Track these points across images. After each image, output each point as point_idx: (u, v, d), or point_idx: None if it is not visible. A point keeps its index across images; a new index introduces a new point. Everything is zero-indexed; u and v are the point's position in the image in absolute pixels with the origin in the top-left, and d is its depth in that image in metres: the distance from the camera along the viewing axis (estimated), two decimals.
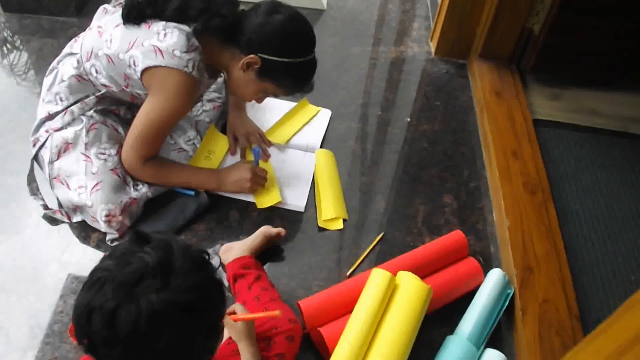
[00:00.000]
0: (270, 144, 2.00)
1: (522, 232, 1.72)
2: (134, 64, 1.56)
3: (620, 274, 1.71)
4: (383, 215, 1.84)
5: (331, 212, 1.79)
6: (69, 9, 2.54)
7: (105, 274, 0.84)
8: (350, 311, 1.43)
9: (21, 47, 2.42)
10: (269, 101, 2.12)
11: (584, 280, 1.67)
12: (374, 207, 1.86)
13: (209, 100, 2.01)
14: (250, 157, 1.89)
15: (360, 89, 2.27)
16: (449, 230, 1.78)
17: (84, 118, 1.71)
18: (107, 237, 1.68)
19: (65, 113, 1.72)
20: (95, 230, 1.71)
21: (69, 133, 1.69)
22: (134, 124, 1.64)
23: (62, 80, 1.72)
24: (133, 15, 1.58)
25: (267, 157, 1.95)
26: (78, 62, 1.70)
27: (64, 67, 1.73)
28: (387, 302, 1.41)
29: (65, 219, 1.72)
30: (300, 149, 2.00)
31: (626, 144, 2.17)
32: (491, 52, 2.33)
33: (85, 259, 1.66)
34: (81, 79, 1.72)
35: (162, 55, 1.52)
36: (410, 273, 1.44)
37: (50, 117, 1.74)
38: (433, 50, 2.45)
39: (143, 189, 1.72)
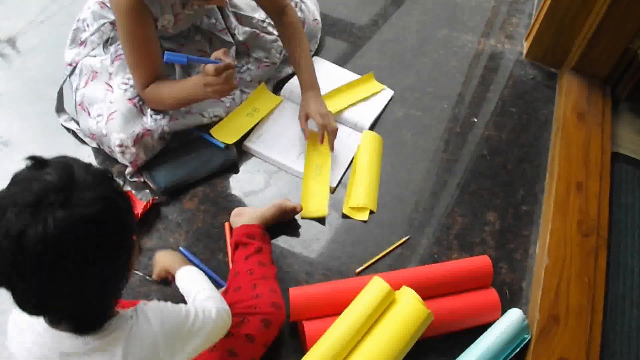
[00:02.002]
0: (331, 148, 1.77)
1: (560, 276, 1.53)
2: None
3: None
4: (415, 217, 1.69)
5: (360, 201, 1.66)
6: None
7: (5, 200, 0.80)
8: (340, 313, 1.32)
9: None
10: (333, 70, 2.01)
11: (616, 348, 1.48)
12: (407, 207, 1.71)
13: (256, 59, 1.88)
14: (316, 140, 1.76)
15: (432, 77, 2.09)
16: (483, 251, 1.62)
17: (112, 48, 1.70)
18: (127, 171, 1.65)
19: (86, 44, 1.74)
20: (117, 162, 1.67)
21: (96, 62, 1.70)
22: None
23: (88, 7, 1.77)
24: None
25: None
26: None
27: None
28: (378, 315, 1.27)
29: (95, 144, 1.70)
30: (348, 125, 1.86)
31: None
32: (586, 68, 2.10)
33: None
34: (103, 5, 1.74)
35: None
36: (413, 292, 1.30)
37: (80, 43, 1.78)
38: (525, 51, 2.22)
39: (162, 121, 1.65)
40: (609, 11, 1.91)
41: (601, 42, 2.01)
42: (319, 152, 1.73)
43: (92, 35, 1.74)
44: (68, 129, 1.76)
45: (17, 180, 0.83)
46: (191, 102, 1.66)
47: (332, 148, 1.72)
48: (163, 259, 1.37)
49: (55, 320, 0.89)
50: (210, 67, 1.46)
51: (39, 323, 0.91)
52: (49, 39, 2.02)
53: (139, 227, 1.55)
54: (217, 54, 1.48)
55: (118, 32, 1.56)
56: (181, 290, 1.25)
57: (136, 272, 1.45)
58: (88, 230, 0.80)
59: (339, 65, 2.04)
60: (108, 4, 1.70)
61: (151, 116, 1.63)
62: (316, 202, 1.64)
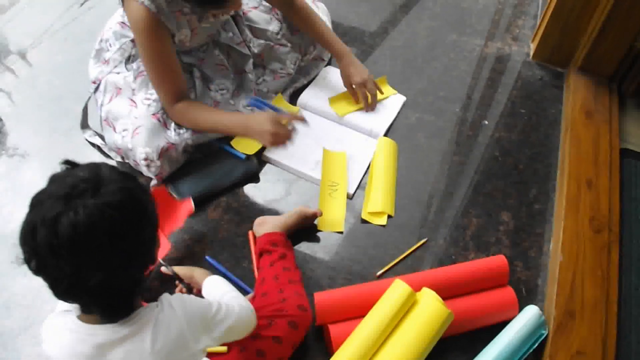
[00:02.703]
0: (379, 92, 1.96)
1: (574, 272, 1.58)
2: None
3: None
4: (432, 219, 1.74)
5: (378, 206, 1.71)
6: None
7: (42, 195, 0.91)
8: (364, 316, 1.37)
9: None
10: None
11: (632, 339, 1.53)
12: (425, 209, 1.77)
13: (272, 71, 1.95)
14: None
15: (443, 81, 2.14)
16: (499, 251, 1.67)
17: (134, 65, 1.75)
18: (152, 183, 1.71)
19: (108, 62, 1.80)
20: (141, 174, 1.73)
21: (119, 78, 1.75)
22: None
23: (110, 28, 1.83)
24: None
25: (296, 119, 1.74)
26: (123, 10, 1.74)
27: (113, 17, 1.86)
28: (401, 317, 1.33)
29: (120, 158, 1.76)
30: (363, 132, 1.91)
31: None
32: (592, 67, 2.14)
33: None
34: (124, 25, 1.80)
35: None
36: (433, 293, 1.35)
37: (101, 60, 1.84)
38: (532, 52, 2.27)
39: (185, 135, 1.70)
40: (612, 10, 1.94)
41: (606, 41, 2.05)
42: (335, 169, 1.78)
43: (114, 53, 1.80)
44: (93, 144, 1.83)
45: (54, 179, 0.94)
46: (227, 134, 1.75)
47: (373, 108, 1.91)
48: (191, 270, 1.44)
49: (86, 308, 0.97)
50: (285, 119, 1.60)
51: (72, 321, 0.98)
52: (70, 53, 2.10)
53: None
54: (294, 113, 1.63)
55: (138, 50, 1.62)
56: (206, 295, 1.31)
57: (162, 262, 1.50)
58: (113, 216, 0.89)
59: None
60: (127, 24, 1.76)
61: (175, 130, 1.69)
62: (333, 218, 1.70)
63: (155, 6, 1.51)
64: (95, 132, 1.84)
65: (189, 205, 1.58)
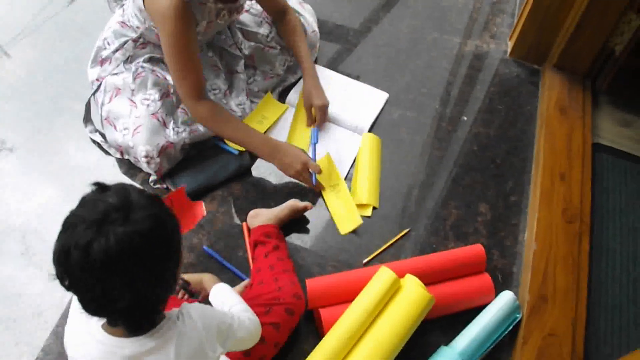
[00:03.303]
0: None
1: (547, 260, 1.69)
2: None
3: None
4: (414, 210, 1.84)
5: (363, 198, 1.81)
6: None
7: (76, 218, 0.96)
8: (352, 300, 1.47)
9: None
10: (332, 76, 2.15)
11: (601, 323, 1.64)
12: (407, 201, 1.87)
13: (262, 72, 2.04)
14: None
15: (425, 78, 2.24)
16: (477, 240, 1.77)
17: (133, 66, 1.83)
18: (150, 179, 1.80)
19: (110, 62, 1.86)
20: (141, 170, 1.83)
21: (119, 80, 1.82)
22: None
23: (109, 27, 1.89)
24: None
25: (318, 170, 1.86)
26: (123, 10, 1.85)
27: (114, 17, 1.91)
28: (386, 301, 1.43)
29: (119, 155, 1.84)
30: (349, 128, 2.01)
31: None
32: (567, 64, 2.25)
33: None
34: (124, 24, 1.86)
35: None
36: (416, 278, 1.45)
37: (102, 61, 1.90)
38: (509, 50, 2.38)
39: (183, 134, 1.79)
40: (587, 10, 2.04)
41: (580, 40, 2.15)
42: (330, 175, 1.86)
43: (115, 53, 1.86)
44: (94, 141, 1.91)
45: (84, 202, 0.99)
46: (249, 150, 1.84)
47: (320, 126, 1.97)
48: (200, 276, 1.52)
49: (113, 322, 1.03)
50: (312, 166, 1.77)
51: (99, 332, 1.04)
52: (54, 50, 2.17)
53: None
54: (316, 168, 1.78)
55: (162, 39, 1.65)
56: (214, 303, 1.36)
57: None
58: (141, 243, 0.94)
59: (338, 72, 2.19)
60: (128, 23, 1.83)
61: (173, 129, 1.77)
62: (348, 216, 1.78)
63: None
64: (95, 128, 1.91)
65: (201, 209, 1.67)
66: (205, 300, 1.41)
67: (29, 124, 1.95)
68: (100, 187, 1.01)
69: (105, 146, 1.87)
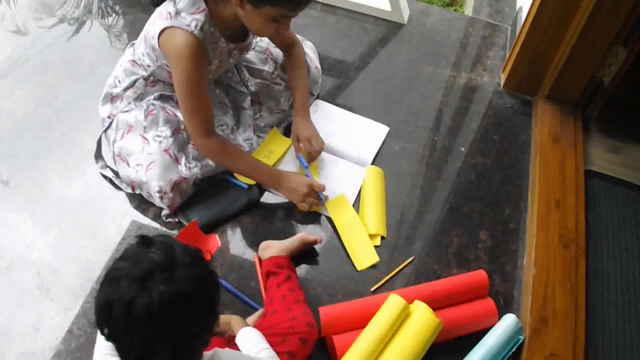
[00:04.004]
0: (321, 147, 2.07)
1: (546, 284, 1.77)
2: (155, 32, 1.72)
3: (638, 346, 1.73)
4: (418, 239, 1.93)
5: (372, 229, 1.89)
6: None
7: (120, 272, 0.99)
8: (364, 326, 1.55)
9: (119, 12, 2.60)
10: (334, 111, 2.24)
11: (598, 343, 1.71)
12: (411, 230, 1.95)
13: (268, 107, 2.13)
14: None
15: (422, 110, 2.34)
16: (478, 266, 1.85)
17: (144, 104, 1.89)
18: (162, 213, 1.87)
19: (121, 100, 1.94)
20: (153, 205, 1.89)
21: (130, 117, 1.89)
22: (178, 100, 1.79)
23: (120, 65, 1.97)
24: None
25: (312, 158, 2.02)
26: (134, 49, 1.92)
27: (125, 55, 1.98)
28: (397, 327, 1.51)
29: (130, 190, 1.90)
30: (352, 161, 2.10)
31: None
32: (558, 95, 2.35)
33: (141, 229, 1.85)
34: (134, 63, 1.93)
35: (171, 17, 1.67)
36: (424, 305, 1.53)
37: (112, 98, 1.97)
38: (502, 82, 2.48)
39: (195, 170, 1.86)
40: (576, 44, 2.15)
41: (571, 71, 2.26)
42: (344, 212, 1.92)
43: (126, 91, 1.93)
44: (105, 176, 1.96)
45: (128, 255, 1.04)
46: (257, 181, 1.94)
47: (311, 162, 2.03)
48: (229, 317, 1.55)
49: None
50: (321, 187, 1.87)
51: None
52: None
53: None
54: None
55: (175, 77, 1.72)
56: (241, 346, 1.41)
57: None
58: (183, 303, 0.99)
59: (339, 106, 2.28)
60: (139, 62, 1.90)
61: (185, 165, 1.84)
62: (364, 253, 1.83)
63: (202, 35, 1.67)
64: (107, 164, 1.96)
65: (216, 241, 1.74)
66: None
67: (40, 160, 2.01)
68: (145, 241, 1.06)
69: (116, 181, 1.92)
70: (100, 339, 1.27)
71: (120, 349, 1.03)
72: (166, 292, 0.97)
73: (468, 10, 3.27)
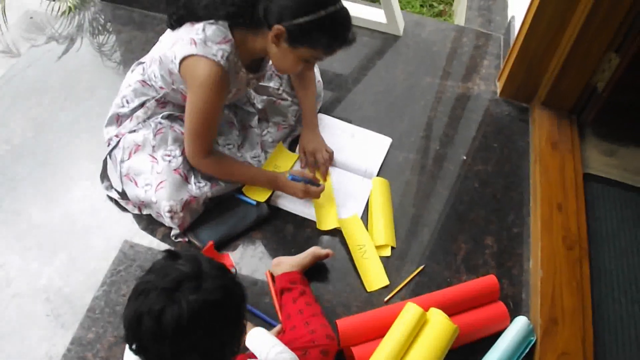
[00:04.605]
0: (330, 163, 2.15)
1: (553, 285, 1.83)
2: (175, 57, 1.73)
3: None
4: (427, 247, 1.98)
5: (381, 239, 1.94)
6: (159, 5, 2.69)
7: (148, 285, 1.03)
8: (382, 336, 1.59)
9: (111, 31, 2.63)
10: (336, 125, 2.29)
11: (606, 339, 1.78)
12: (420, 239, 2.00)
13: (275, 123, 2.17)
14: (317, 174, 2.09)
15: (423, 121, 2.40)
16: (486, 271, 1.90)
17: (152, 123, 1.90)
18: (172, 233, 1.89)
19: (131, 119, 1.94)
20: (161, 225, 1.91)
21: (139, 136, 1.89)
22: (184, 121, 1.81)
23: (129, 85, 1.96)
24: (173, 20, 1.77)
25: (323, 179, 2.09)
26: (144, 69, 1.93)
27: (133, 74, 1.97)
28: (415, 334, 1.56)
29: (137, 211, 1.93)
30: (358, 173, 2.15)
31: None
32: (554, 102, 2.42)
33: (150, 250, 1.87)
34: (144, 83, 1.94)
35: (196, 45, 1.68)
36: (440, 311, 1.58)
37: (118, 118, 1.98)
38: (499, 90, 2.54)
39: (205, 188, 1.88)
40: (571, 51, 2.22)
41: (566, 78, 2.33)
42: (355, 232, 1.96)
43: (135, 111, 1.93)
44: (110, 197, 1.98)
45: (156, 268, 1.09)
46: (258, 186, 1.99)
47: (323, 177, 2.09)
48: None
49: None
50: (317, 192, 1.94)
51: None
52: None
53: None
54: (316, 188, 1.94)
55: (191, 101, 1.73)
56: (251, 347, 1.44)
57: None
58: (212, 312, 1.02)
59: (341, 119, 2.33)
60: (149, 82, 1.91)
61: (195, 184, 1.86)
62: (376, 276, 1.86)
63: (227, 65, 1.68)
64: (112, 185, 1.98)
65: (229, 261, 1.77)
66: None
67: (43, 185, 2.01)
68: (172, 255, 1.10)
69: (122, 202, 1.93)
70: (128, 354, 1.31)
71: None
72: (195, 302, 1.00)
73: (459, 21, 3.34)
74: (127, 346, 1.32)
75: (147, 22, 2.67)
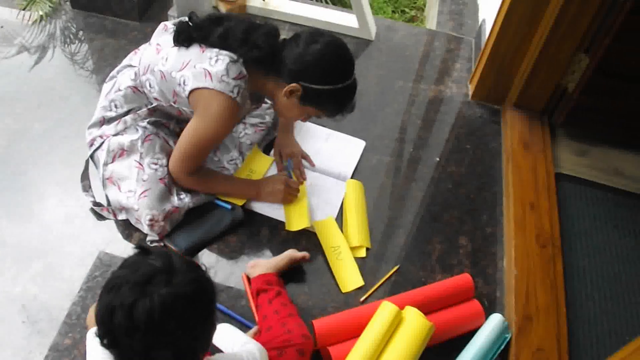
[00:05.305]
0: (312, 164, 2.17)
1: (527, 283, 1.85)
2: (184, 83, 1.74)
3: (616, 334, 1.82)
4: (401, 248, 1.98)
5: (356, 241, 1.94)
6: (132, 12, 2.69)
7: (120, 279, 1.03)
8: (359, 335, 1.59)
9: (83, 40, 2.62)
10: (310, 128, 2.29)
11: (580, 335, 1.79)
12: (394, 240, 2.01)
13: (252, 125, 2.17)
14: (293, 177, 2.09)
15: (396, 124, 2.41)
16: (461, 271, 1.92)
17: (139, 129, 1.88)
18: (148, 238, 1.86)
19: (119, 122, 1.91)
20: (137, 230, 1.89)
21: (125, 140, 1.87)
22: (180, 139, 1.82)
23: (119, 90, 1.92)
24: (182, 37, 1.76)
25: (302, 178, 2.10)
26: (135, 74, 1.90)
27: (122, 77, 1.94)
28: (391, 333, 1.56)
29: (112, 217, 1.91)
30: (332, 176, 2.15)
31: None
32: (525, 103, 2.45)
33: (127, 255, 1.81)
34: (136, 90, 1.91)
35: (211, 78, 1.69)
36: (416, 309, 1.59)
37: (105, 121, 1.94)
38: (470, 93, 2.57)
39: (186, 199, 1.88)
40: (541, 54, 2.26)
41: (536, 80, 2.37)
42: (329, 234, 1.96)
43: (124, 116, 1.91)
44: (92, 207, 1.93)
45: (127, 263, 1.09)
46: (238, 197, 1.98)
47: (300, 178, 2.10)
48: None
49: None
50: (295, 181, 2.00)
51: None
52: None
53: None
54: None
55: (196, 125, 1.76)
56: (218, 344, 1.45)
57: None
58: (184, 305, 1.03)
59: (317, 124, 2.33)
60: (141, 90, 1.89)
61: (177, 196, 1.87)
62: (350, 277, 1.86)
63: (240, 99, 1.72)
64: (90, 185, 1.95)
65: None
66: None
67: (18, 194, 1.98)
68: (143, 251, 1.11)
69: (97, 209, 1.91)
70: (91, 349, 1.31)
71: (121, 357, 1.06)
72: (167, 295, 1.00)
73: (431, 25, 3.37)
74: (89, 342, 1.32)
75: (119, 29, 2.67)
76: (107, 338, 1.04)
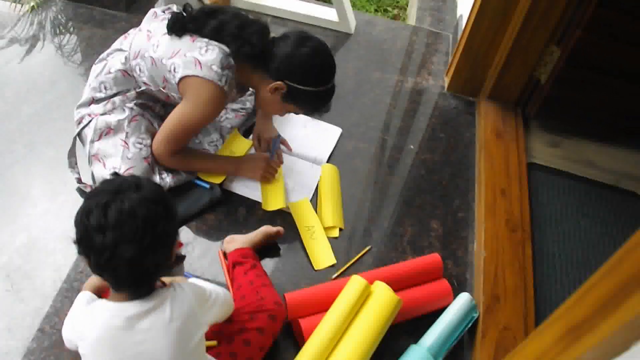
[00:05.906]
0: (289, 148, 2.21)
1: (496, 265, 1.89)
2: (174, 70, 1.78)
3: None
4: (374, 230, 2.02)
5: (330, 221, 1.98)
6: (119, 3, 2.74)
7: (96, 190, 1.22)
8: (328, 309, 1.62)
9: (72, 30, 2.64)
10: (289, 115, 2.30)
11: (547, 316, 1.83)
12: (367, 222, 2.05)
13: (233, 110, 2.23)
14: None
15: (373, 113, 2.45)
16: (431, 252, 1.95)
17: (126, 109, 1.92)
18: None
19: (107, 102, 1.94)
20: None
21: (112, 119, 1.91)
22: (166, 121, 1.87)
23: (109, 72, 1.94)
24: (177, 27, 1.81)
25: (280, 162, 2.13)
26: (126, 59, 1.92)
27: (113, 61, 1.95)
28: (359, 305, 1.59)
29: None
30: (308, 160, 2.19)
31: (614, 197, 2.32)
32: (499, 95, 2.50)
33: None
34: (126, 74, 1.94)
35: (201, 67, 1.74)
36: (384, 284, 1.62)
37: (94, 101, 1.96)
38: (446, 85, 2.62)
39: (167, 179, 1.93)
40: (513, 47, 2.32)
41: (510, 71, 2.42)
42: (304, 215, 2.00)
43: (114, 97, 1.93)
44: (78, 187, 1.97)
45: (105, 181, 1.25)
46: (219, 174, 2.04)
47: (278, 160, 2.14)
48: (173, 279, 1.62)
49: (117, 286, 1.24)
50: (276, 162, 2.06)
51: (104, 304, 1.26)
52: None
53: None
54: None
55: (184, 110, 1.82)
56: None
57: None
58: (149, 206, 1.18)
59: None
60: (131, 73, 1.92)
61: (160, 175, 1.92)
62: (323, 255, 1.91)
63: (228, 88, 1.79)
64: (76, 162, 1.97)
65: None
66: None
67: (6, 171, 2.02)
68: (114, 174, 1.30)
69: (81, 186, 1.94)
70: (77, 303, 1.40)
71: (93, 254, 1.17)
72: (135, 197, 1.17)
73: (411, 21, 3.42)
74: (77, 298, 1.41)
75: (106, 20, 2.70)
76: (83, 240, 1.18)
